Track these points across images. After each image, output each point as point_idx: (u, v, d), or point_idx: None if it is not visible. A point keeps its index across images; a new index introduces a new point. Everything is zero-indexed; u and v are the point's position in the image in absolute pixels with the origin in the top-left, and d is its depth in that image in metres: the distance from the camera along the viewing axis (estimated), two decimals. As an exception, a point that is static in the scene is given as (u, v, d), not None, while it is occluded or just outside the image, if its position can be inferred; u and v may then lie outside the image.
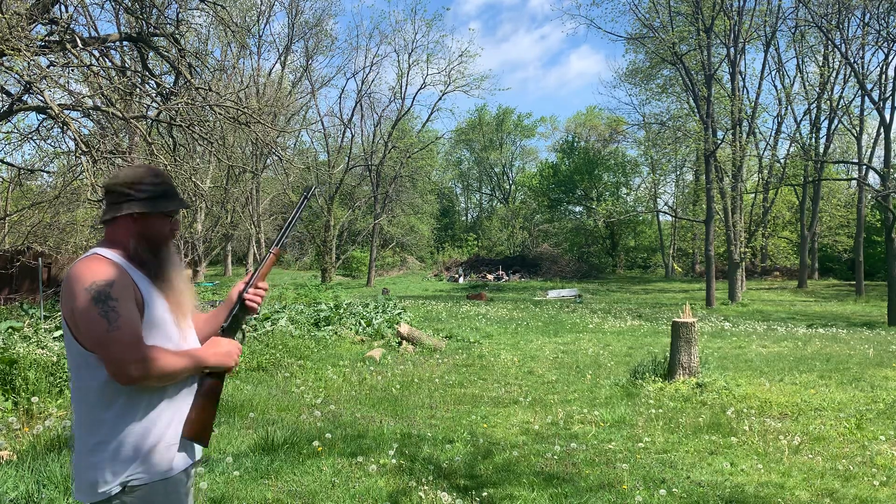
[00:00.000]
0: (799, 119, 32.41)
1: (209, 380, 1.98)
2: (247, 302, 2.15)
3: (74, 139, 6.85)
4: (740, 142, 24.70)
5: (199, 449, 2.04)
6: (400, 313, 14.20)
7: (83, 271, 1.82)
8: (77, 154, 7.29)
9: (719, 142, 24.69)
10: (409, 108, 38.79)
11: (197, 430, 1.94)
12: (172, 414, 1.94)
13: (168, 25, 8.06)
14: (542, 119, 65.68)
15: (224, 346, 2.03)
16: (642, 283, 36.97)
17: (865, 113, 30.37)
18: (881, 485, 4.29)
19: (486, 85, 78.73)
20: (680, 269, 42.74)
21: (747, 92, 28.30)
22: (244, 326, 2.16)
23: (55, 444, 4.49)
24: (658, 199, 43.42)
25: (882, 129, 24.84)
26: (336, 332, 11.23)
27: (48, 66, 6.70)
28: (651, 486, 4.22)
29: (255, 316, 2.16)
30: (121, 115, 7.06)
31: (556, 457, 4.82)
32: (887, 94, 25.34)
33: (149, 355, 1.80)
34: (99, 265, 1.84)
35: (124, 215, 1.92)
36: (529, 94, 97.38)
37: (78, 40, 6.66)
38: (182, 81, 7.95)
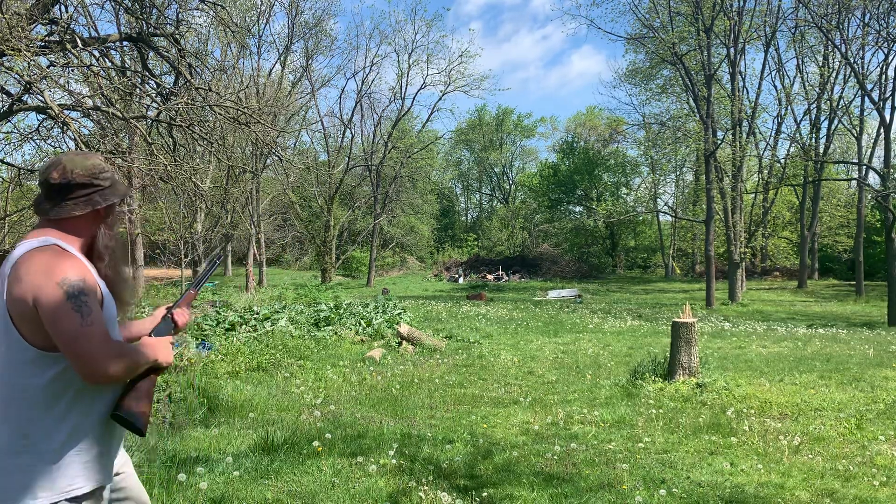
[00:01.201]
0: (799, 119, 32.45)
1: (153, 374, 1.98)
2: (174, 316, 2.17)
3: (74, 139, 6.85)
4: (740, 142, 24.71)
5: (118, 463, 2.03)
6: (400, 313, 14.19)
7: (50, 264, 1.74)
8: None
9: (719, 142, 24.69)
10: (409, 109, 38.83)
11: (147, 419, 1.94)
12: (108, 421, 1.90)
13: (168, 26, 8.05)
14: (542, 119, 65.83)
15: (166, 344, 2.02)
16: (642, 283, 36.97)
17: (865, 113, 30.38)
18: (881, 485, 4.28)
19: (486, 85, 78.79)
20: (679, 270, 42.73)
21: (747, 92, 28.34)
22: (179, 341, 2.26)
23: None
24: (658, 200, 43.44)
25: (882, 130, 24.83)
26: (336, 333, 11.23)
27: (48, 66, 6.70)
28: (651, 486, 4.22)
29: (180, 333, 2.23)
30: (121, 115, 7.06)
31: (556, 457, 4.82)
32: (887, 95, 25.34)
33: (121, 351, 1.78)
34: (66, 259, 1.78)
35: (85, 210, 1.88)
36: (530, 94, 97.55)
37: (78, 40, 6.65)
38: (182, 81, 7.94)
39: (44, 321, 1.72)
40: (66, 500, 1.78)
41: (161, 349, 1.97)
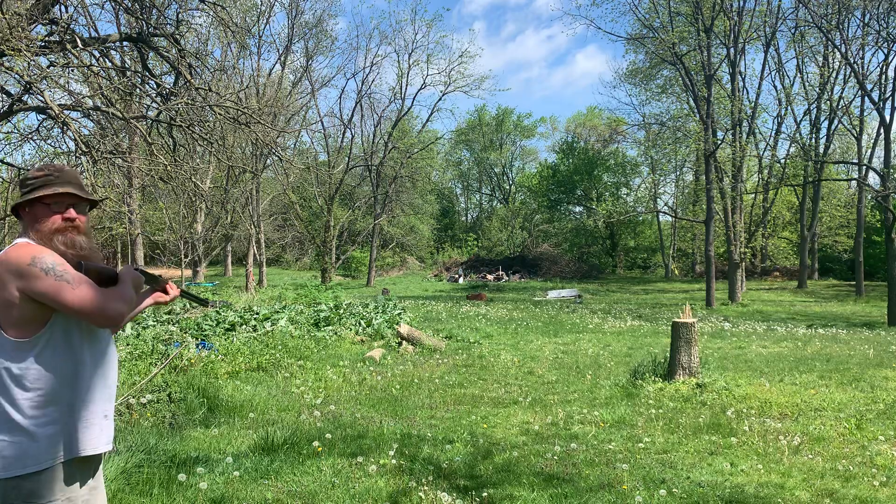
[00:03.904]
0: (799, 119, 32.43)
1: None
2: (168, 285, 2.46)
3: (74, 139, 6.85)
4: (740, 142, 24.70)
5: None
6: (400, 313, 14.19)
7: (18, 257, 1.97)
8: (77, 154, 7.29)
9: (719, 142, 24.69)
10: (409, 109, 38.83)
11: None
12: (101, 392, 2.11)
13: (168, 26, 8.05)
14: (542, 119, 65.95)
15: (133, 289, 2.20)
16: (642, 283, 36.97)
17: (865, 113, 30.37)
18: (881, 485, 4.28)
19: (486, 85, 78.90)
20: (677, 272, 42.68)
21: (747, 92, 28.34)
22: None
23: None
24: (658, 200, 43.44)
25: (882, 130, 24.84)
26: (336, 333, 11.23)
27: (48, 67, 6.70)
28: (651, 486, 4.22)
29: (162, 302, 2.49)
30: (121, 116, 7.06)
31: (556, 457, 4.82)
32: (887, 95, 25.33)
33: (112, 294, 2.02)
34: (29, 247, 2.01)
35: (21, 209, 2.12)
36: (533, 94, 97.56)
37: (78, 40, 6.65)
38: (182, 82, 7.94)
39: (42, 300, 1.95)
40: (59, 464, 2.00)
41: (131, 288, 2.17)
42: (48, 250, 2.02)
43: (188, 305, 15.81)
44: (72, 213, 2.13)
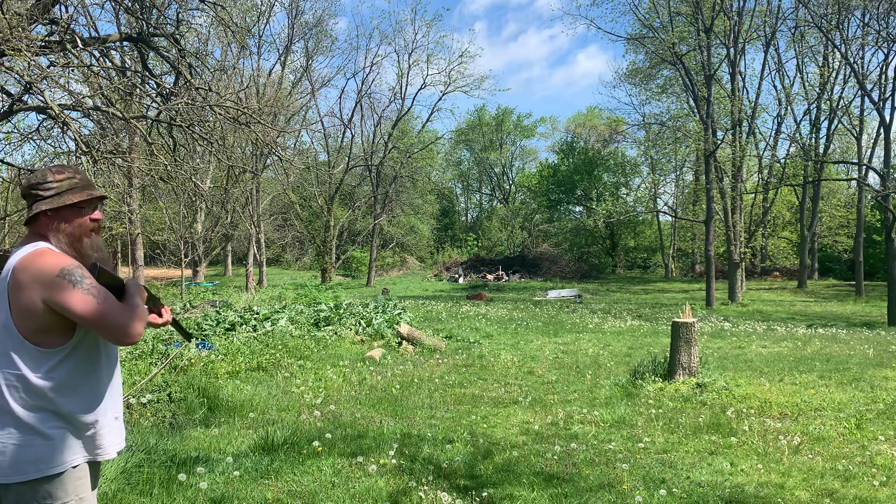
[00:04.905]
0: (799, 119, 32.43)
1: None
2: (163, 309, 2.39)
3: (74, 139, 6.85)
4: (740, 142, 24.70)
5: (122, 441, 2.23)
6: (400, 313, 14.19)
7: (44, 264, 1.93)
8: (77, 154, 7.29)
9: (719, 142, 24.69)
10: (409, 109, 38.79)
11: None
12: (113, 396, 2.14)
13: (168, 26, 8.04)
14: (542, 119, 65.86)
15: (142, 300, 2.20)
16: (642, 283, 36.97)
17: (865, 113, 30.38)
18: (881, 485, 4.29)
19: (486, 85, 78.88)
20: (677, 272, 42.66)
21: (747, 92, 28.33)
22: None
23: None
24: (658, 199, 43.39)
25: (882, 130, 24.86)
26: (336, 333, 11.22)
27: (48, 66, 6.70)
28: (651, 486, 4.22)
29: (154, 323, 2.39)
30: (121, 115, 7.06)
31: (556, 457, 4.82)
32: (887, 95, 25.35)
33: (130, 311, 2.00)
34: (55, 256, 1.98)
35: (41, 213, 2.07)
36: (534, 94, 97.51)
37: (78, 40, 6.65)
38: (182, 82, 7.93)
39: (63, 313, 1.92)
40: (71, 468, 2.02)
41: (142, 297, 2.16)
42: (74, 261, 2.00)
43: (189, 305, 15.84)
44: (98, 214, 2.15)
